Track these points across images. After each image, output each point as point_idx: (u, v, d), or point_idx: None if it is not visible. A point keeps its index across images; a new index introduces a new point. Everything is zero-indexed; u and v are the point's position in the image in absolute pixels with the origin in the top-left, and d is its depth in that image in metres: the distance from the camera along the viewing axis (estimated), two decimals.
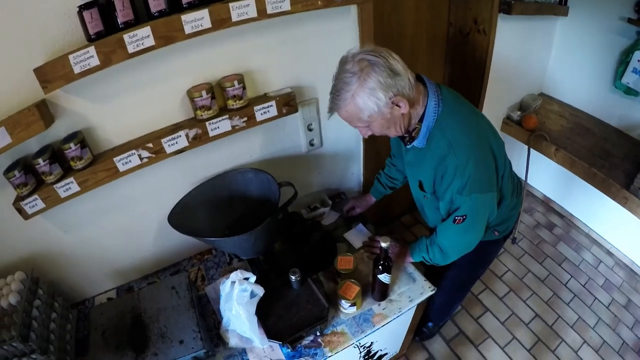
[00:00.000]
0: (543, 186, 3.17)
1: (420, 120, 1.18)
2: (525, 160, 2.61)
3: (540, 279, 2.66)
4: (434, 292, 1.51)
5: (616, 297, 2.56)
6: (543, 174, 2.97)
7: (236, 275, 1.26)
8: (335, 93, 1.10)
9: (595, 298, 2.54)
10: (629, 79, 2.29)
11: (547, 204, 3.18)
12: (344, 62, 1.10)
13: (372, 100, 1.06)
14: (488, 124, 1.28)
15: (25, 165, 1.18)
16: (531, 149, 2.57)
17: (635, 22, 2.18)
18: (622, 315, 2.45)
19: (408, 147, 1.28)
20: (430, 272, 1.68)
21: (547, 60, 2.75)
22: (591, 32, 2.45)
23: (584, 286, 2.62)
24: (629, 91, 2.34)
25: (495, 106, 2.48)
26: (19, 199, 1.19)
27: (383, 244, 1.27)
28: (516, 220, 1.64)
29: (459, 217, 1.24)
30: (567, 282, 2.64)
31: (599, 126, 2.56)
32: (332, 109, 1.14)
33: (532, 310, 2.46)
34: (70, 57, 1.03)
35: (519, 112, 2.64)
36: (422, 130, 1.19)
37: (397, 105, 1.09)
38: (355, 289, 1.40)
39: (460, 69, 2.27)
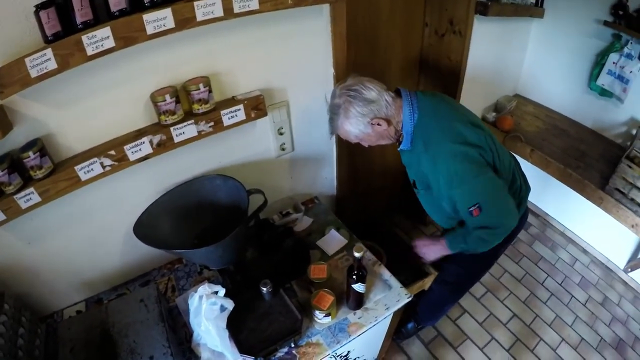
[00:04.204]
0: None
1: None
2: None
3: (517, 278, 2.68)
4: (410, 299, 1.49)
5: (592, 294, 2.60)
6: None
7: (204, 289, 1.20)
8: (330, 120, 1.38)
9: (572, 296, 2.59)
10: (604, 80, 2.32)
11: None
12: (332, 96, 1.36)
13: (354, 126, 1.32)
14: (468, 116, 1.43)
15: None
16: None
17: (611, 25, 2.20)
18: (598, 312, 2.50)
19: (399, 150, 1.46)
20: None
21: (522, 62, 2.76)
22: (567, 34, 2.47)
23: (560, 284, 2.65)
24: (603, 92, 2.37)
25: (470, 107, 2.37)
26: None
27: (356, 254, 1.23)
28: (522, 216, 1.62)
29: (472, 208, 1.32)
30: (543, 281, 2.67)
31: (574, 127, 2.59)
32: (331, 132, 1.43)
33: (509, 310, 2.48)
34: (27, 60, 0.96)
35: (494, 113, 2.64)
36: (404, 135, 1.37)
37: (378, 125, 1.32)
38: (330, 298, 1.36)
39: (435, 70, 2.25)
